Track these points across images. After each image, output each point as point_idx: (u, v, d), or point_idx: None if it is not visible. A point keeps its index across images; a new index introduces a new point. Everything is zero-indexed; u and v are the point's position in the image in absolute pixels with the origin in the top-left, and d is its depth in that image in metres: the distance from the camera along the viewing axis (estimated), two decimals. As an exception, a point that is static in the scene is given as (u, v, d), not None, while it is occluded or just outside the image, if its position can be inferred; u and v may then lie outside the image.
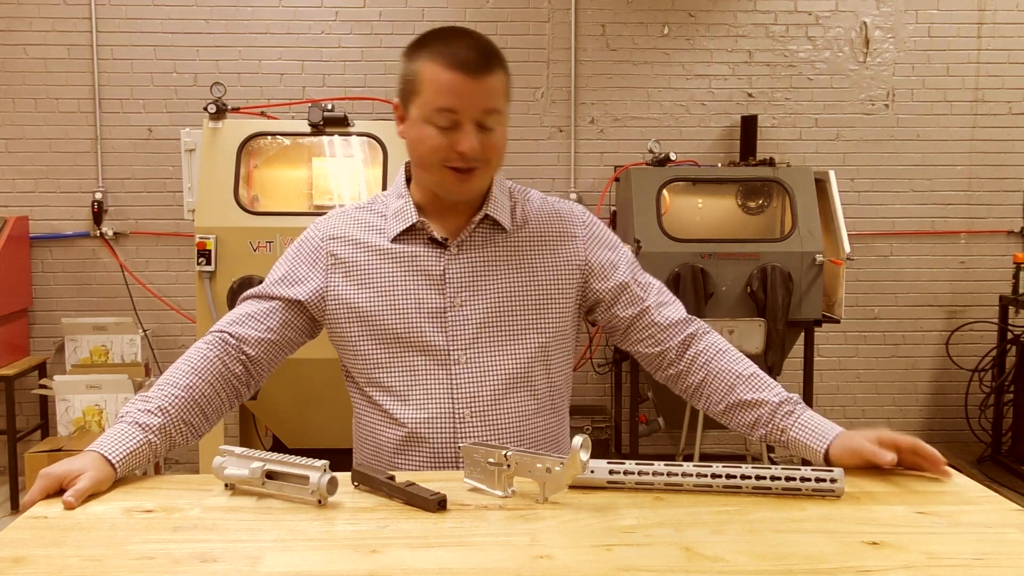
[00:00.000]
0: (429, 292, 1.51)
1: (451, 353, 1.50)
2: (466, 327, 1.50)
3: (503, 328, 1.51)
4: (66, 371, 4.36)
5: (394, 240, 1.54)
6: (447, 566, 1.03)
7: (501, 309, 1.52)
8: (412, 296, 1.51)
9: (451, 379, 1.49)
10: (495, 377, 1.50)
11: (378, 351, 1.52)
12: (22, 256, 4.53)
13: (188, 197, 3.77)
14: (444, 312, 1.50)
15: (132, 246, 4.70)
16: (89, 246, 4.69)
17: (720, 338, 1.60)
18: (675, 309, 1.60)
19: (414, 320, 1.50)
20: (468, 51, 1.42)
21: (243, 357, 1.51)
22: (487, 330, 1.51)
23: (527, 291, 1.53)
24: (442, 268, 1.52)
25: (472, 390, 1.49)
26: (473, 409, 1.49)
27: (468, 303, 1.51)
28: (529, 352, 1.53)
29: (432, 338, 1.50)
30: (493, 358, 1.51)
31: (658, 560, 1.04)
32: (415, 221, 1.53)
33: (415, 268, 1.52)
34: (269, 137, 3.74)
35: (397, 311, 1.50)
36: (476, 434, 1.49)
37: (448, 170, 1.45)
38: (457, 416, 1.49)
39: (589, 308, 1.61)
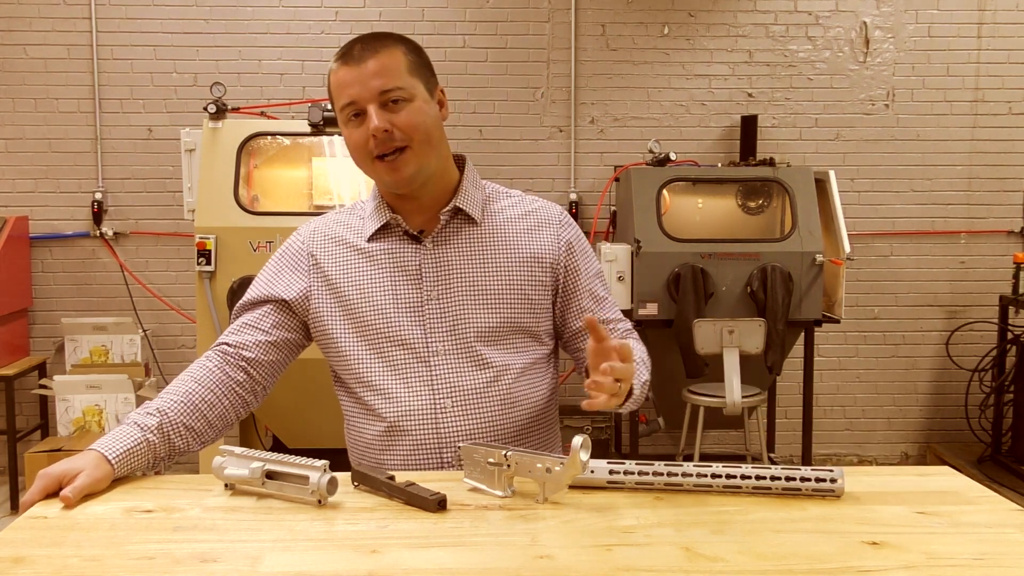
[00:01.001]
0: (406, 287, 1.54)
1: (429, 345, 1.52)
2: (443, 320, 1.53)
3: (478, 320, 1.53)
4: (66, 371, 4.37)
5: (370, 239, 1.57)
6: (447, 566, 1.03)
7: (476, 301, 1.54)
8: (389, 292, 1.53)
9: (431, 371, 1.52)
10: (475, 368, 1.52)
11: (360, 348, 1.54)
12: (22, 256, 4.53)
13: (188, 197, 3.77)
14: (421, 306, 1.53)
15: (132, 246, 4.70)
16: (89, 246, 4.69)
17: (636, 345, 1.60)
18: (623, 327, 1.65)
19: (392, 315, 1.53)
20: (354, 46, 1.49)
21: (244, 363, 1.53)
22: (463, 322, 1.53)
23: (500, 284, 1.55)
24: (418, 263, 1.55)
25: (452, 381, 1.52)
26: (454, 400, 1.51)
27: (444, 296, 1.53)
28: (505, 345, 1.55)
29: (410, 332, 1.52)
30: (471, 350, 1.53)
31: (658, 560, 1.04)
32: (388, 218, 1.56)
33: (392, 264, 1.55)
34: (269, 137, 3.74)
35: (375, 307, 1.53)
36: (458, 425, 1.51)
37: (377, 162, 1.49)
38: (438, 407, 1.51)
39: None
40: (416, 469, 1.51)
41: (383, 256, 1.56)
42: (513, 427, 1.55)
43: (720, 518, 1.17)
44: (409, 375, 1.52)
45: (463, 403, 1.51)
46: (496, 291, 1.55)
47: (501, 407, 1.53)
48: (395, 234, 1.57)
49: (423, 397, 1.51)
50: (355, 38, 1.52)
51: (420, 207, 1.57)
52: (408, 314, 1.52)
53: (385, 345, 1.53)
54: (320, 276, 1.57)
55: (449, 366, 1.52)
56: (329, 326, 1.55)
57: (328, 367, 1.64)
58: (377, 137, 1.46)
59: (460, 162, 1.63)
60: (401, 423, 1.51)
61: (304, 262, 1.58)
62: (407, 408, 1.51)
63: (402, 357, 1.52)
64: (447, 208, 1.56)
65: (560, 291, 1.61)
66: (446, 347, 1.52)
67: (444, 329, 1.52)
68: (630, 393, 1.46)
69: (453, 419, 1.51)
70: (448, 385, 1.51)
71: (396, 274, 1.54)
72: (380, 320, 1.52)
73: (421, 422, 1.51)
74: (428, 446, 1.51)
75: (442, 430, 1.51)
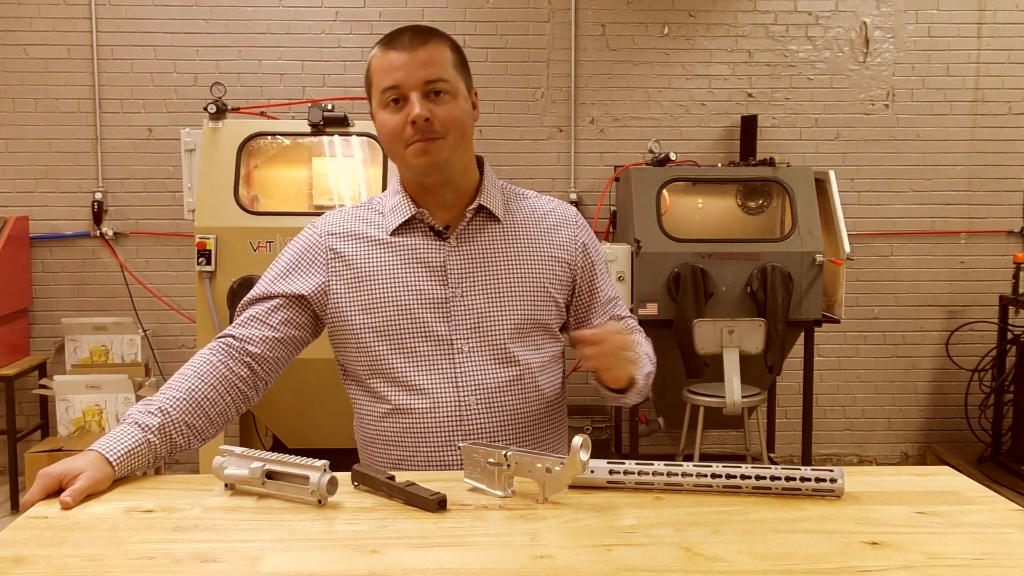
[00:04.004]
0: (431, 283, 1.53)
1: (453, 342, 1.52)
2: (468, 316, 1.53)
3: (503, 317, 1.54)
4: (66, 371, 4.36)
5: (393, 233, 1.56)
6: (447, 566, 1.03)
7: (501, 298, 1.54)
8: (414, 287, 1.53)
9: (455, 368, 1.52)
10: (499, 365, 1.53)
11: (382, 343, 1.53)
12: (22, 256, 4.53)
13: (188, 197, 3.77)
14: (446, 302, 1.53)
15: (132, 246, 4.70)
16: (89, 246, 4.69)
17: (642, 339, 1.66)
18: (632, 324, 1.69)
19: (417, 310, 1.52)
20: (403, 34, 1.51)
21: (248, 359, 1.51)
22: (488, 319, 1.53)
23: (525, 281, 1.57)
24: (443, 259, 1.54)
25: (476, 378, 1.52)
26: (478, 397, 1.52)
27: (470, 292, 1.54)
28: (529, 341, 1.56)
29: (435, 327, 1.52)
30: (495, 346, 1.53)
31: (658, 560, 1.04)
32: (414, 212, 1.55)
33: (415, 259, 1.55)
34: (269, 137, 3.74)
35: (400, 302, 1.53)
36: (481, 422, 1.52)
37: (410, 146, 1.49)
38: (463, 404, 1.51)
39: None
40: (439, 465, 1.52)
41: (407, 250, 1.55)
42: (531, 423, 1.56)
43: (720, 518, 1.17)
44: (433, 372, 1.52)
45: (487, 399, 1.52)
46: (521, 288, 1.56)
47: (523, 403, 1.55)
48: (419, 229, 1.57)
49: (448, 394, 1.51)
50: (402, 27, 1.53)
51: (444, 204, 1.57)
52: (433, 310, 1.52)
53: (409, 340, 1.52)
54: (340, 269, 1.55)
55: (474, 363, 1.52)
56: (349, 320, 1.54)
57: (329, 367, 1.64)
58: (417, 124, 1.46)
59: (478, 162, 1.64)
60: (426, 419, 1.52)
61: (322, 256, 1.57)
62: (432, 404, 1.51)
63: (426, 353, 1.52)
64: (472, 205, 1.57)
65: (578, 291, 1.63)
66: (471, 344, 1.52)
67: (469, 325, 1.53)
68: (634, 383, 1.51)
69: (477, 415, 1.52)
70: (472, 382, 1.52)
71: (420, 269, 1.54)
72: (404, 315, 1.52)
73: (446, 418, 1.51)
74: (453, 442, 1.51)
75: (466, 426, 1.51)
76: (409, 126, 1.46)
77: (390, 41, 1.50)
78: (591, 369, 1.48)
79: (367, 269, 1.54)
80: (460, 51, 1.56)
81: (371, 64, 1.53)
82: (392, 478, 1.26)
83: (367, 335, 1.53)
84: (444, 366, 1.52)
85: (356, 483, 1.30)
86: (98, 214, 4.61)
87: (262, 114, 3.97)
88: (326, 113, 3.59)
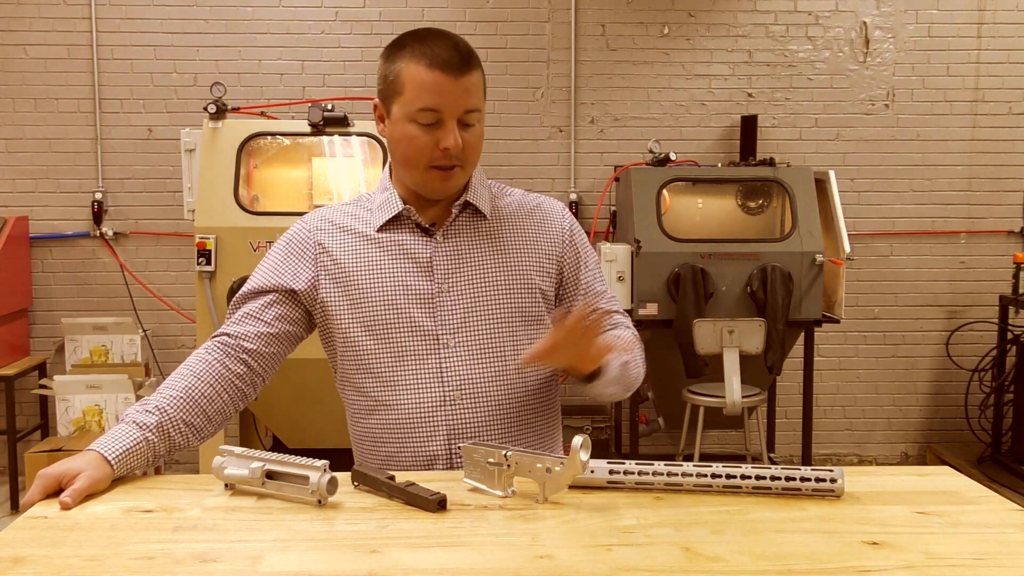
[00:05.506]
0: (417, 278, 1.54)
1: (440, 337, 1.52)
2: (454, 312, 1.53)
3: (490, 312, 1.54)
4: (66, 371, 4.36)
5: (380, 229, 1.57)
6: (447, 566, 1.03)
7: (488, 294, 1.55)
8: (400, 282, 1.54)
9: (440, 363, 1.52)
10: (484, 361, 1.53)
11: (368, 338, 1.54)
12: (22, 256, 4.53)
13: (188, 197, 3.77)
14: (432, 297, 1.53)
15: (132, 246, 4.70)
16: (89, 246, 4.69)
17: (626, 332, 1.63)
18: (619, 318, 1.66)
19: (403, 305, 1.53)
20: (448, 51, 1.47)
21: (244, 355, 1.51)
22: (475, 314, 1.54)
23: (512, 276, 1.57)
24: (429, 255, 1.55)
25: (462, 373, 1.52)
26: (463, 392, 1.52)
27: (455, 288, 1.54)
28: (516, 336, 1.56)
29: (421, 323, 1.52)
30: (481, 342, 1.53)
31: (658, 560, 1.04)
32: (401, 209, 1.56)
33: (402, 255, 1.55)
34: (269, 137, 3.74)
35: (386, 297, 1.53)
36: (466, 418, 1.52)
37: (432, 169, 1.50)
38: (447, 399, 1.52)
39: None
40: (425, 461, 1.52)
41: (394, 246, 1.56)
42: (520, 418, 1.56)
43: (720, 518, 1.17)
44: (419, 367, 1.52)
45: (473, 394, 1.52)
46: (507, 283, 1.56)
47: (509, 398, 1.54)
48: (406, 226, 1.57)
49: (433, 389, 1.52)
50: (438, 37, 1.48)
51: (432, 202, 1.58)
52: (419, 305, 1.53)
53: (394, 336, 1.53)
54: (328, 264, 1.56)
55: (459, 358, 1.52)
56: (337, 315, 1.55)
57: (328, 366, 1.64)
58: (450, 152, 1.47)
59: None
60: (411, 415, 1.52)
61: (311, 250, 1.58)
62: (417, 400, 1.52)
63: (412, 348, 1.52)
64: (458, 202, 1.57)
65: (564, 281, 1.64)
66: (457, 339, 1.52)
67: (456, 321, 1.53)
68: (600, 371, 1.48)
69: (462, 410, 1.52)
70: (458, 377, 1.52)
71: (407, 265, 1.54)
72: (390, 311, 1.53)
73: (431, 414, 1.51)
74: (438, 438, 1.51)
75: (451, 422, 1.51)
76: (440, 151, 1.47)
77: (432, 57, 1.45)
78: (559, 366, 1.46)
79: (354, 264, 1.55)
80: (483, 69, 1.55)
81: (404, 73, 1.47)
82: (392, 478, 1.26)
83: (353, 330, 1.54)
84: (430, 362, 1.52)
85: (356, 483, 1.30)
86: (98, 214, 4.61)
87: (262, 114, 3.97)
88: (326, 113, 3.59)
